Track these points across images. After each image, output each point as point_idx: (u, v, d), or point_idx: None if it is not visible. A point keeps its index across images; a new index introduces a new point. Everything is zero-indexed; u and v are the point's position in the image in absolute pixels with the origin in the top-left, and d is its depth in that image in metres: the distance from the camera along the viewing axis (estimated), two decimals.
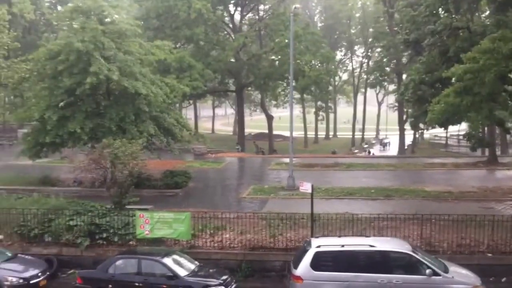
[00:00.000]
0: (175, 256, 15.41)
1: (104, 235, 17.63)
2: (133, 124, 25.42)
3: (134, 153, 19.89)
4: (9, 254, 16.44)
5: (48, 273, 16.08)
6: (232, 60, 48.49)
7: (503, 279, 15.93)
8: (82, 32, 24.75)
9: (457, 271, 14.15)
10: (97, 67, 23.49)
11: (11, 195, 22.24)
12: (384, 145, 68.34)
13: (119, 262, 15.06)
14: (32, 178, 27.35)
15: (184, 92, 30.97)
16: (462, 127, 58.13)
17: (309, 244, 14.59)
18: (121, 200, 19.32)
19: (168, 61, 32.97)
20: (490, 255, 16.48)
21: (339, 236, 15.81)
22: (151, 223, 17.26)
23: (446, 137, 60.18)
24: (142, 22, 29.50)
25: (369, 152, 57.15)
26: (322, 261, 13.85)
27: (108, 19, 26.87)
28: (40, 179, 26.91)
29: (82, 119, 24.79)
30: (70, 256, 17.51)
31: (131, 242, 17.65)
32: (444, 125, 26.76)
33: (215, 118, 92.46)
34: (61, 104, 25.18)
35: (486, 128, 34.68)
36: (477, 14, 29.68)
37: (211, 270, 15.34)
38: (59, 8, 54.87)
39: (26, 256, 16.86)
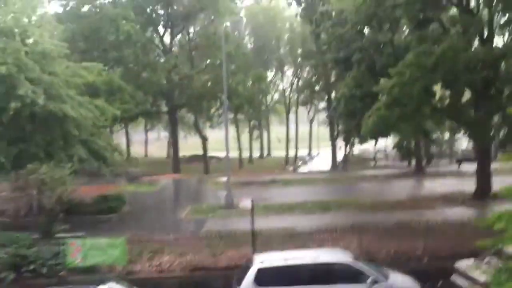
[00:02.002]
0: (111, 284, 14.49)
1: (31, 267, 16.35)
2: (61, 149, 24.16)
3: (62, 178, 18.89)
4: None
5: None
6: (164, 81, 47.85)
7: (439, 283, 16.44)
8: (3, 54, 23.36)
9: (396, 278, 14.41)
10: (22, 91, 22.20)
11: None
12: (310, 159, 70.43)
13: None
14: None
15: (115, 115, 29.98)
16: (389, 141, 61.04)
17: (251, 261, 14.36)
18: (49, 228, 18.17)
19: (97, 83, 31.88)
20: (425, 260, 17.00)
21: (281, 251, 15.68)
22: (83, 250, 16.28)
23: (375, 151, 62.61)
24: (67, 45, 28.36)
25: (295, 169, 58.20)
26: (265, 277, 13.63)
27: (31, 40, 25.60)
28: None
29: (5, 146, 23.22)
30: None
31: (61, 273, 16.53)
32: (376, 137, 27.75)
33: (148, 142, 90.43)
34: None
35: (413, 140, 36.34)
36: (398, 31, 31.29)
37: None
38: None
39: None
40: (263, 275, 13.64)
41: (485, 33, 24.02)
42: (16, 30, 24.58)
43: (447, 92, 23.59)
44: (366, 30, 28.55)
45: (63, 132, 24.41)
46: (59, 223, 18.59)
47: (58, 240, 17.17)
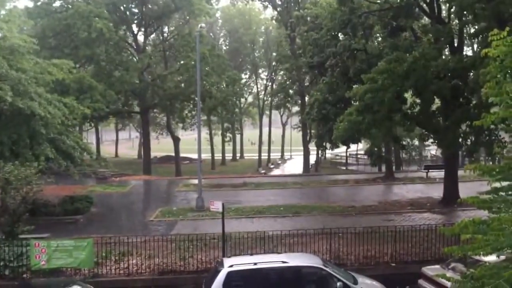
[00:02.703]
0: (76, 287, 14.18)
1: None
2: (28, 148, 23.48)
3: (28, 177, 18.27)
4: None
5: None
6: (136, 81, 47.19)
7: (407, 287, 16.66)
8: None
9: (365, 282, 14.54)
10: None
11: None
12: (282, 162, 71.05)
13: None
14: None
15: (85, 113, 29.35)
16: (360, 147, 61.78)
17: (221, 264, 14.22)
18: (13, 229, 17.52)
19: (67, 81, 31.18)
20: (393, 264, 17.21)
21: (251, 254, 15.59)
22: (48, 252, 15.84)
23: (346, 156, 63.32)
24: (37, 41, 27.63)
25: (268, 172, 58.29)
26: (234, 281, 13.53)
27: None
28: None
29: None
30: None
31: (24, 275, 16.05)
32: (347, 143, 28.02)
33: (119, 142, 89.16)
34: None
35: (383, 146, 36.86)
36: (371, 38, 31.74)
37: None
38: None
39: None
40: (232, 279, 13.52)
41: (456, 43, 24.58)
42: None
43: (418, 100, 23.95)
44: (340, 36, 28.84)
45: (30, 130, 23.75)
46: (23, 223, 17.97)
47: (22, 241, 16.58)
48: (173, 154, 57.77)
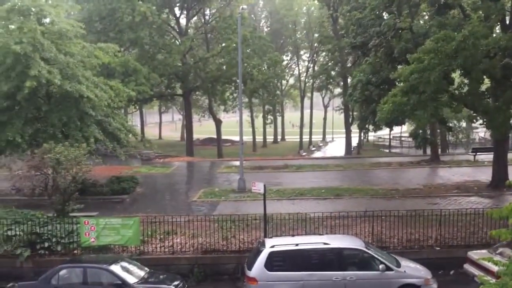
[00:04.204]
0: (124, 263, 14.74)
1: (46, 244, 16.68)
2: (78, 129, 24.32)
3: (77, 158, 18.97)
4: None
5: None
6: (179, 64, 47.70)
7: (451, 272, 16.37)
8: (20, 33, 23.41)
9: (408, 266, 14.39)
10: (36, 70, 22.25)
11: None
12: (324, 145, 70.57)
13: (62, 272, 14.19)
14: None
15: (130, 96, 30.03)
16: (404, 129, 60.44)
17: (262, 244, 14.39)
18: (64, 207, 18.36)
19: (112, 65, 31.91)
20: (438, 248, 16.92)
21: (293, 236, 15.70)
22: (97, 230, 16.51)
23: (390, 138, 62.14)
24: (83, 25, 28.33)
25: (309, 155, 58.09)
26: (276, 261, 13.69)
27: (47, 20, 25.62)
28: None
29: (21, 125, 23.42)
30: (9, 268, 16.37)
31: (75, 251, 16.81)
32: (391, 125, 27.43)
33: (162, 124, 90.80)
34: None
35: (428, 128, 35.90)
36: (417, 17, 30.72)
37: (162, 276, 14.79)
38: None
39: None
40: (274, 259, 13.69)
41: (507, 20, 23.45)
42: (32, 9, 24.62)
43: (466, 80, 23.08)
44: (385, 15, 28.02)
45: (79, 112, 24.55)
46: (73, 202, 18.77)
47: (72, 219, 17.36)
48: (215, 136, 58.38)
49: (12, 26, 24.65)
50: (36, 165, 19.12)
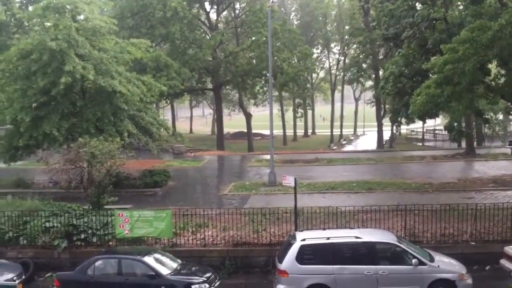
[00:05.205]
0: (157, 255, 15.01)
1: (82, 236, 17.13)
2: (111, 124, 24.83)
3: (111, 152, 19.37)
4: None
5: (23, 277, 15.48)
6: (209, 58, 48.01)
7: (487, 267, 16.02)
8: (55, 30, 24.02)
9: (442, 260, 14.15)
10: (71, 66, 22.80)
11: None
12: (355, 138, 69.94)
13: (98, 263, 14.56)
14: (6, 181, 26.47)
15: (162, 91, 30.41)
16: (437, 122, 59.17)
17: (293, 237, 14.40)
18: (99, 200, 18.79)
19: (144, 60, 32.38)
20: (473, 243, 16.56)
21: (324, 229, 15.63)
22: (130, 222, 16.84)
23: (423, 131, 60.98)
24: (116, 22, 28.83)
25: (340, 148, 57.66)
26: (307, 255, 13.68)
27: (81, 16, 26.18)
28: (14, 182, 26.10)
29: (58, 119, 24.08)
30: (47, 259, 16.95)
31: (110, 243, 17.20)
32: (424, 117, 26.88)
33: (193, 119, 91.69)
34: (34, 104, 24.39)
35: (464, 120, 35.08)
36: (452, 7, 29.98)
37: (194, 268, 14.99)
38: (30, 9, 53.44)
39: (0, 260, 16.21)
40: (305, 252, 13.68)
41: None
42: (67, 6, 25.19)
43: (503, 70, 22.38)
44: (418, 6, 27.45)
45: (113, 107, 25.03)
46: (108, 195, 19.19)
47: (107, 212, 17.76)
48: (245, 130, 58.55)
49: (48, 23, 25.32)
50: (72, 158, 19.61)
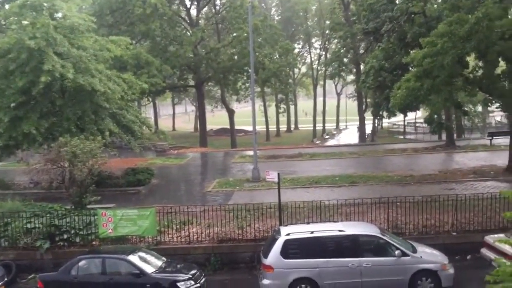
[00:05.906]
0: (141, 253, 14.93)
1: (65, 236, 16.95)
2: (92, 123, 24.56)
3: (93, 150, 19.19)
4: None
5: (6, 279, 15.29)
6: (191, 55, 47.75)
7: (468, 257, 16.29)
8: (33, 28, 23.62)
9: (425, 251, 14.36)
10: (50, 65, 22.45)
11: None
12: (337, 133, 70.43)
13: (82, 263, 14.42)
14: None
15: (143, 88, 30.17)
16: (418, 115, 59.88)
17: (278, 232, 14.46)
18: (81, 199, 18.63)
19: (124, 57, 32.05)
20: (454, 234, 16.83)
21: (308, 223, 15.73)
22: (114, 221, 16.71)
23: (404, 124, 61.69)
24: (95, 19, 28.46)
25: (322, 143, 58.02)
26: (292, 249, 13.76)
27: (59, 14, 25.80)
28: None
29: (37, 119, 23.72)
30: (30, 260, 16.72)
31: (94, 242, 17.05)
32: (405, 111, 27.22)
33: (176, 116, 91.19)
34: (13, 104, 23.99)
35: (443, 113, 35.55)
36: (430, 1, 30.29)
37: (179, 266, 14.95)
38: (6, 7, 52.50)
39: None
40: (290, 247, 13.75)
41: None
42: (45, 4, 24.80)
43: (480, 63, 22.74)
44: (397, 0, 27.71)
45: (93, 105, 24.76)
46: (90, 194, 19.03)
47: (90, 211, 17.60)
48: (228, 126, 58.50)
49: (25, 22, 24.87)
50: (52, 158, 19.37)
